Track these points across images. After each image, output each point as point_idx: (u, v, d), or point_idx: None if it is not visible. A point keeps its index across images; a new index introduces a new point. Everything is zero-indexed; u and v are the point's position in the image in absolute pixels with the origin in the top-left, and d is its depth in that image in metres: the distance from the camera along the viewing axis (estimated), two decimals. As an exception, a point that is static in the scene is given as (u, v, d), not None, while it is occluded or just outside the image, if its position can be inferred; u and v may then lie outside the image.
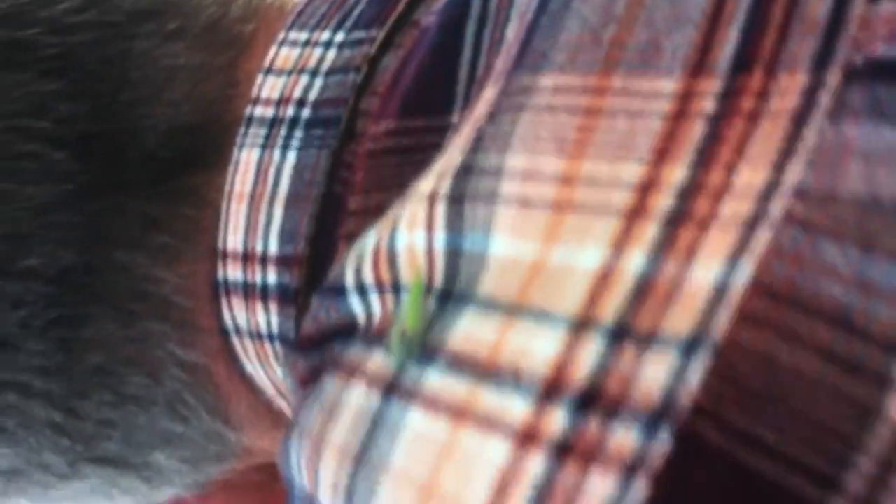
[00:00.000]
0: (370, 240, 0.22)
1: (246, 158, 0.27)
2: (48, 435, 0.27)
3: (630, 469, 0.15)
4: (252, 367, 0.28)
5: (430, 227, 0.20)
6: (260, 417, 0.30)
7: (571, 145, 0.18)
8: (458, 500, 0.16)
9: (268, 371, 0.28)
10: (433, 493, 0.16)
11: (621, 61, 0.18)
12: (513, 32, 0.21)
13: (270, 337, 0.26)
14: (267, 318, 0.26)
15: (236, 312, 0.27)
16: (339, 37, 0.26)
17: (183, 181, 0.28)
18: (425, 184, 0.21)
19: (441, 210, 0.20)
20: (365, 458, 0.18)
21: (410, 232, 0.20)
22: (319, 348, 0.22)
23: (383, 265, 0.21)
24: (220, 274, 0.27)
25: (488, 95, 0.20)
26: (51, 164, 0.26)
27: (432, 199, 0.20)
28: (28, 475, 0.28)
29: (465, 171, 0.20)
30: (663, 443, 0.15)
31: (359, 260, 0.22)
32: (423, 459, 0.17)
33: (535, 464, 0.16)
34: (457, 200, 0.20)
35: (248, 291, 0.26)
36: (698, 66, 0.17)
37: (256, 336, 0.27)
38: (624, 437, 0.15)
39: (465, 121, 0.22)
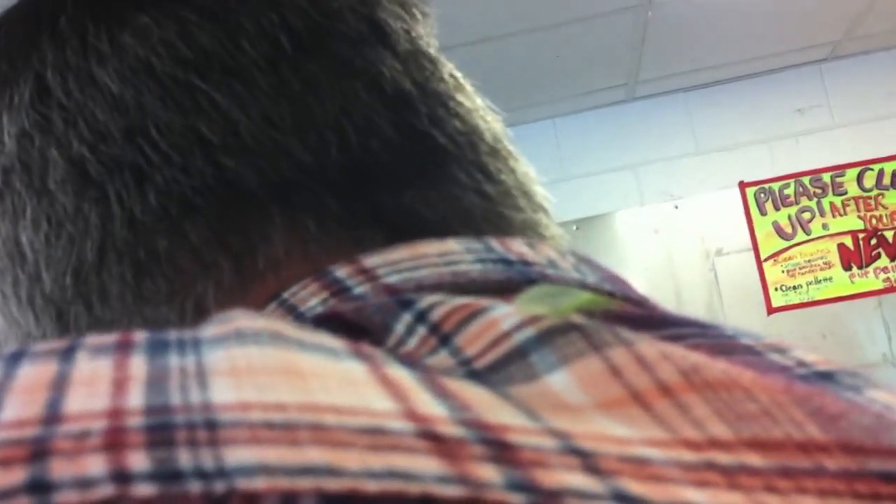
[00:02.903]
0: (457, 300, 0.23)
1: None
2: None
3: None
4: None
5: (531, 321, 0.22)
6: None
7: None
8: None
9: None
10: None
11: None
12: None
13: (298, 314, 0.27)
14: (318, 301, 0.27)
15: (301, 292, 0.28)
16: None
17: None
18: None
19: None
20: None
21: (510, 317, 0.22)
22: (332, 329, 0.22)
23: (459, 315, 0.23)
24: (335, 268, 0.28)
25: None
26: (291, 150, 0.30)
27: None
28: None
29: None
30: None
31: (439, 300, 0.23)
32: None
33: None
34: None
35: (333, 286, 0.27)
36: None
37: (289, 309, 0.27)
38: None
39: None
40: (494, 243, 0.29)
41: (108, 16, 0.32)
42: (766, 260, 3.03)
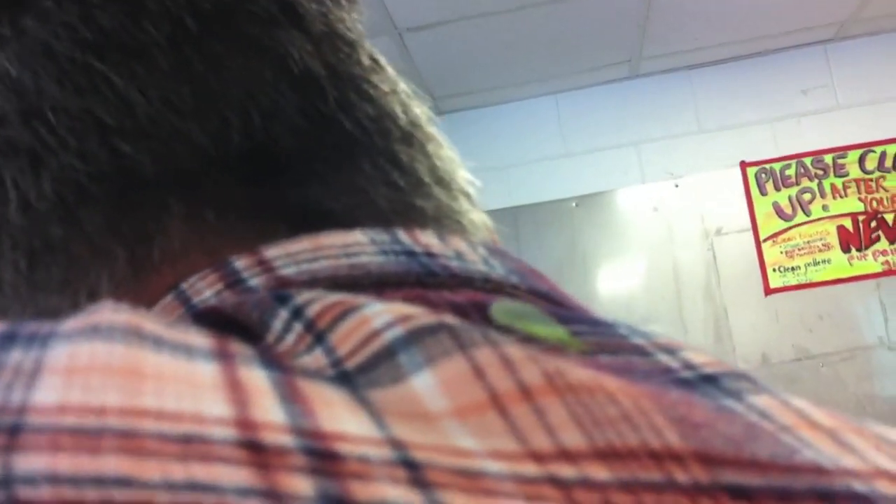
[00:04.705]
0: (333, 296, 0.23)
1: None
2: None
3: None
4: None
5: (402, 320, 0.21)
6: None
7: None
8: None
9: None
10: None
11: None
12: None
13: (191, 306, 0.27)
14: (212, 293, 0.27)
15: (199, 283, 0.27)
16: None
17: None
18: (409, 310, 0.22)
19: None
20: None
21: (381, 315, 0.22)
22: (213, 324, 0.22)
23: (333, 312, 0.22)
24: (235, 258, 0.27)
25: None
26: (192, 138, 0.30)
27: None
28: None
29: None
30: None
31: (316, 296, 0.23)
32: None
33: None
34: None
35: (228, 277, 0.27)
36: None
37: (183, 300, 0.27)
38: None
39: None
40: (402, 234, 0.29)
41: (11, 2, 0.31)
42: (765, 240, 3.03)
